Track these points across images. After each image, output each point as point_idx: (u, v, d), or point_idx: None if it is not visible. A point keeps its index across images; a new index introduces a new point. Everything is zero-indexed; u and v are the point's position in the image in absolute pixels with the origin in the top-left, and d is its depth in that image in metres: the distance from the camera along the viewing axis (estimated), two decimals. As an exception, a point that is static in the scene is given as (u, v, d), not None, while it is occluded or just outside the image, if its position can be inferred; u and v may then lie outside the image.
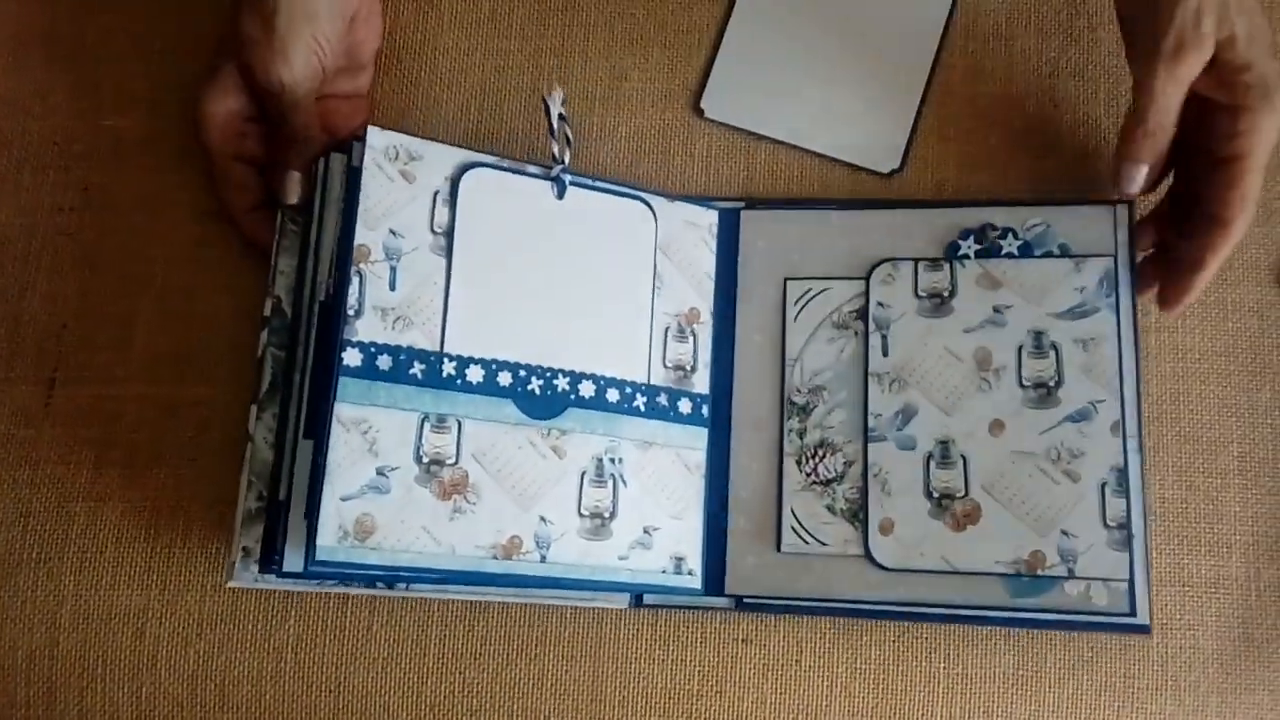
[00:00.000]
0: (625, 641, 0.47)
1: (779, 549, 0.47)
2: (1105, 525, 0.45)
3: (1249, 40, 0.42)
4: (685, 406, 0.47)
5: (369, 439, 0.42)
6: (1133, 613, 0.44)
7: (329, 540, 0.41)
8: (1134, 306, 0.47)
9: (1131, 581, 0.44)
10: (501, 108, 0.53)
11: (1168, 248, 0.47)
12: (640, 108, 0.52)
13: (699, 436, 0.48)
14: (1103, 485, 0.45)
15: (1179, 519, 0.47)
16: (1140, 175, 0.44)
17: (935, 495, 0.46)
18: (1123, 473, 0.45)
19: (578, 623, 0.47)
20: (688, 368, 0.48)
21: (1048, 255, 0.47)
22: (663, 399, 0.47)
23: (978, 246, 0.48)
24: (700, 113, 0.52)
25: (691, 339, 0.48)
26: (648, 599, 0.47)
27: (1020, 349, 0.47)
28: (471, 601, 0.47)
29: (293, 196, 0.46)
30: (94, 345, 0.50)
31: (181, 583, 0.47)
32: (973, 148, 0.51)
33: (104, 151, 0.52)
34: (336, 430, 0.41)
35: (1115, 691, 0.45)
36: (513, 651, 0.47)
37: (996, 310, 0.47)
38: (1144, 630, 0.44)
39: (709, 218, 0.50)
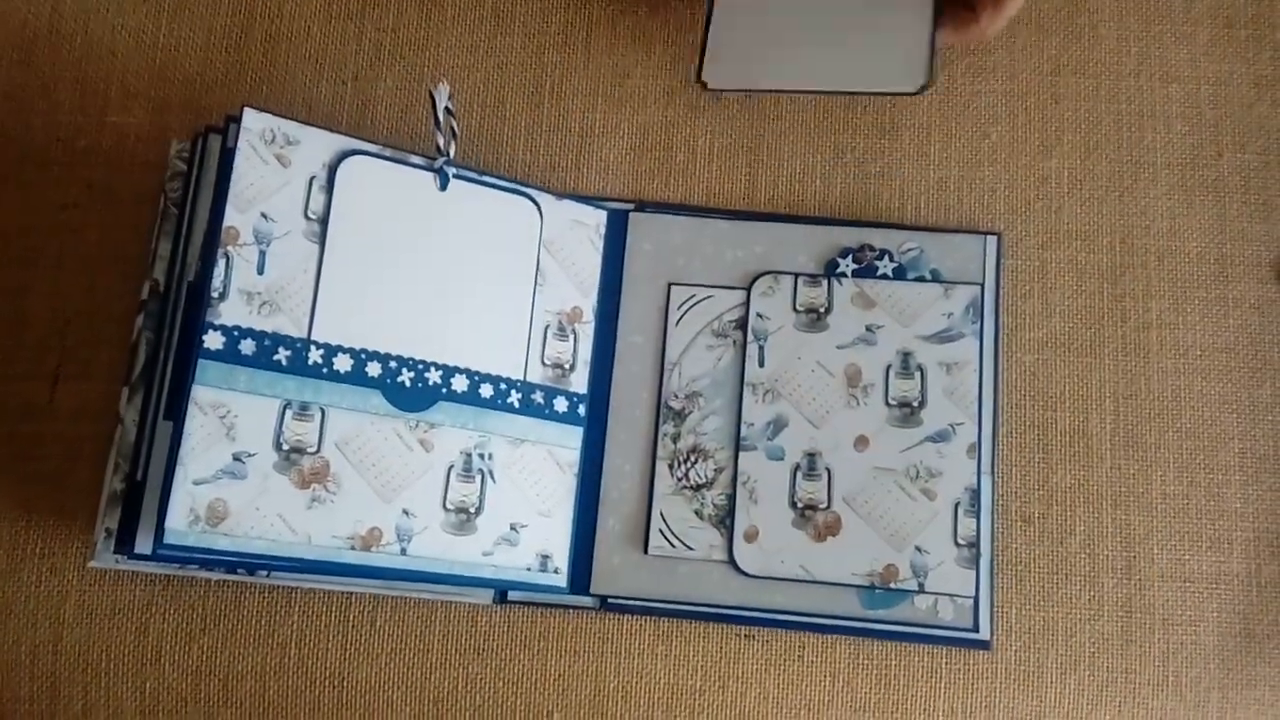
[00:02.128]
0: (629, 638, 0.47)
1: (646, 551, 0.47)
2: (956, 543, 0.46)
3: None
4: (561, 405, 0.48)
5: (227, 423, 0.41)
6: (975, 628, 0.45)
7: (179, 524, 0.40)
8: (997, 335, 0.48)
9: (976, 598, 0.45)
10: (504, 105, 0.52)
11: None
12: (643, 104, 0.52)
13: (573, 435, 0.48)
14: (956, 505, 0.46)
15: (1180, 515, 0.48)
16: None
17: (799, 506, 0.47)
18: (975, 494, 0.46)
19: (580, 619, 0.47)
20: (566, 366, 0.48)
21: (920, 279, 0.48)
22: (538, 396, 0.47)
23: (855, 266, 0.49)
24: (704, 85, 0.48)
25: (572, 337, 0.48)
26: (512, 596, 0.47)
27: (889, 368, 0.48)
28: (475, 599, 0.47)
29: None
30: (97, 342, 0.49)
31: (184, 577, 0.47)
32: (974, 145, 0.51)
33: (107, 148, 0.52)
34: (193, 413, 0.41)
35: (1117, 687, 0.46)
36: (516, 646, 0.47)
37: (869, 329, 0.48)
38: (985, 645, 0.46)
39: (597, 217, 0.50)
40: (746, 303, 0.49)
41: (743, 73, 0.48)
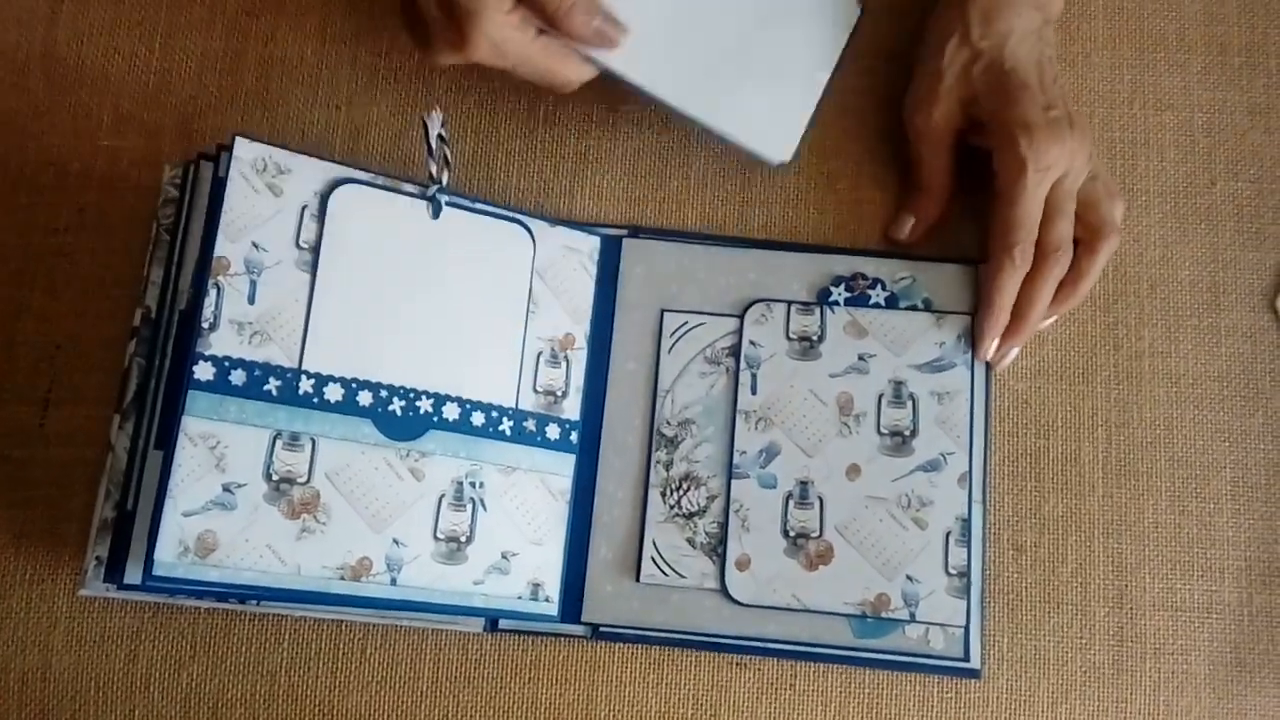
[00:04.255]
0: (620, 667, 0.47)
1: (638, 579, 0.47)
2: (947, 573, 0.46)
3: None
4: (553, 432, 0.48)
5: (217, 454, 0.41)
6: (966, 658, 0.45)
7: (168, 555, 0.40)
8: (988, 365, 0.48)
9: (967, 628, 0.45)
10: (497, 130, 0.52)
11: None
12: (637, 130, 0.52)
13: (566, 463, 0.48)
14: (947, 534, 0.46)
15: (1171, 544, 0.48)
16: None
17: (791, 534, 0.47)
18: (966, 523, 0.46)
19: (571, 647, 0.47)
20: (559, 393, 0.48)
21: (912, 308, 0.49)
22: (530, 424, 0.47)
23: (848, 294, 0.49)
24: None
25: (564, 364, 0.48)
26: (502, 624, 0.47)
27: (880, 397, 0.48)
28: (466, 628, 0.47)
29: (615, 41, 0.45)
30: (88, 366, 0.49)
31: (174, 605, 0.47)
32: (967, 172, 0.50)
33: (100, 172, 0.52)
34: (183, 444, 0.41)
35: (1108, 716, 0.46)
36: (507, 675, 0.47)
37: (861, 358, 0.48)
38: (975, 675, 0.46)
39: (590, 244, 0.50)
40: (739, 330, 0.49)
41: (626, 57, 0.46)
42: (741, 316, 0.49)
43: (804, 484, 0.47)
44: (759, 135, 0.48)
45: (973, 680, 0.46)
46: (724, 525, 0.47)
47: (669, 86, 0.47)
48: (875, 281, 0.49)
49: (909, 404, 0.47)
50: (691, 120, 0.47)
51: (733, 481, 0.47)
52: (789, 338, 0.49)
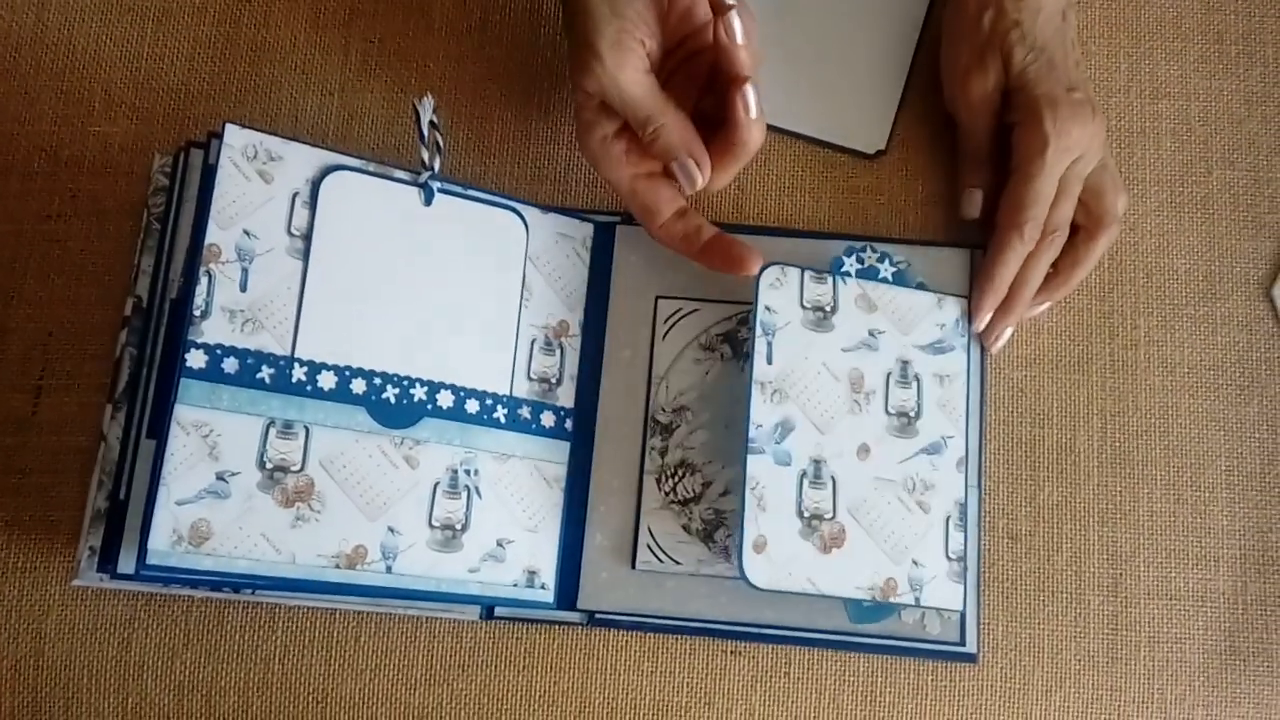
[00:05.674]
0: (615, 654, 0.47)
1: (633, 566, 0.47)
2: (947, 557, 0.46)
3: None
4: (548, 420, 0.48)
5: (210, 443, 0.41)
6: (963, 642, 0.45)
7: (162, 544, 0.40)
8: (982, 348, 0.48)
9: (963, 612, 0.45)
10: (490, 116, 0.52)
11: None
12: None
13: (560, 450, 0.48)
14: (947, 518, 0.46)
15: (1166, 532, 0.48)
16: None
17: (806, 515, 0.46)
18: (964, 507, 0.46)
19: (566, 634, 0.47)
20: (553, 380, 0.48)
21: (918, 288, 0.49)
22: (524, 411, 0.47)
23: (859, 266, 0.48)
24: None
25: (559, 352, 0.48)
26: (498, 611, 0.47)
27: (889, 376, 0.47)
28: (461, 615, 0.47)
29: (697, 183, 0.45)
30: (80, 353, 0.49)
31: (168, 593, 0.47)
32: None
33: (92, 158, 0.51)
34: (175, 433, 0.41)
35: (1102, 704, 0.46)
36: (502, 662, 0.47)
37: (871, 333, 0.48)
38: (971, 659, 0.46)
39: (583, 231, 0.50)
40: (734, 316, 0.49)
41: None
42: (754, 289, 0.47)
43: (817, 462, 0.46)
44: (851, 132, 0.50)
45: (967, 667, 0.46)
46: (741, 503, 0.45)
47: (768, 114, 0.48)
48: (883, 255, 0.49)
49: (914, 385, 0.47)
50: (781, 130, 0.50)
51: (749, 458, 0.45)
52: (803, 306, 0.48)
